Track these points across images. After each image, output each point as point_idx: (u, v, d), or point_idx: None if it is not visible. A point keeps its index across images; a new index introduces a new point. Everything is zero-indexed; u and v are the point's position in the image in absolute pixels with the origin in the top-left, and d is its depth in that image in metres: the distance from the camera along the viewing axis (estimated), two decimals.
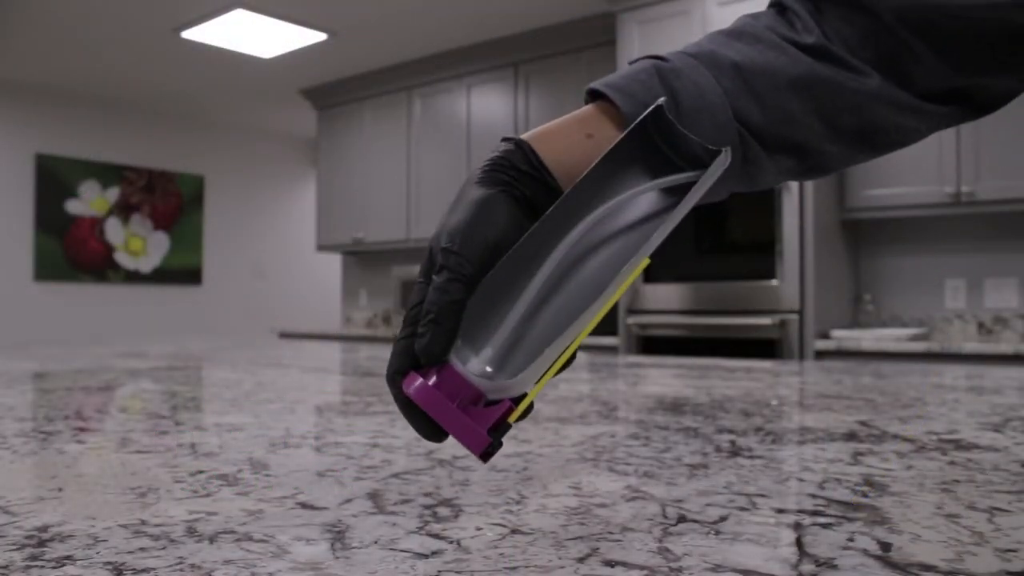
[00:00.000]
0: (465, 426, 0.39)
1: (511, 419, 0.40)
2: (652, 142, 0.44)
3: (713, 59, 0.50)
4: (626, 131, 0.43)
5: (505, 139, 0.46)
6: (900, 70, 0.50)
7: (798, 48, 0.51)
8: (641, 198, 0.44)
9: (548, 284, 0.42)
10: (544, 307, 0.42)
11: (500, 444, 0.40)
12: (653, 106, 0.43)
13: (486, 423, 0.40)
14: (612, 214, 0.43)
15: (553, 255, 0.42)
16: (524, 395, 0.41)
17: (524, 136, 0.47)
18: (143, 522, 0.43)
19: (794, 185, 3.09)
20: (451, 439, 0.41)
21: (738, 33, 0.52)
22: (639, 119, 0.43)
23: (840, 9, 0.51)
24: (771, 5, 0.55)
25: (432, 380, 0.40)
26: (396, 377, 0.41)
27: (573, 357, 0.41)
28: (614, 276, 0.40)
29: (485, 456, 0.39)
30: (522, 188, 0.44)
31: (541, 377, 0.40)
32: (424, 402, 0.39)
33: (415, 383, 0.40)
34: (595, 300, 0.40)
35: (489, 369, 0.40)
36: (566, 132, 0.47)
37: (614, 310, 3.71)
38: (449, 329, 0.40)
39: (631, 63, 0.51)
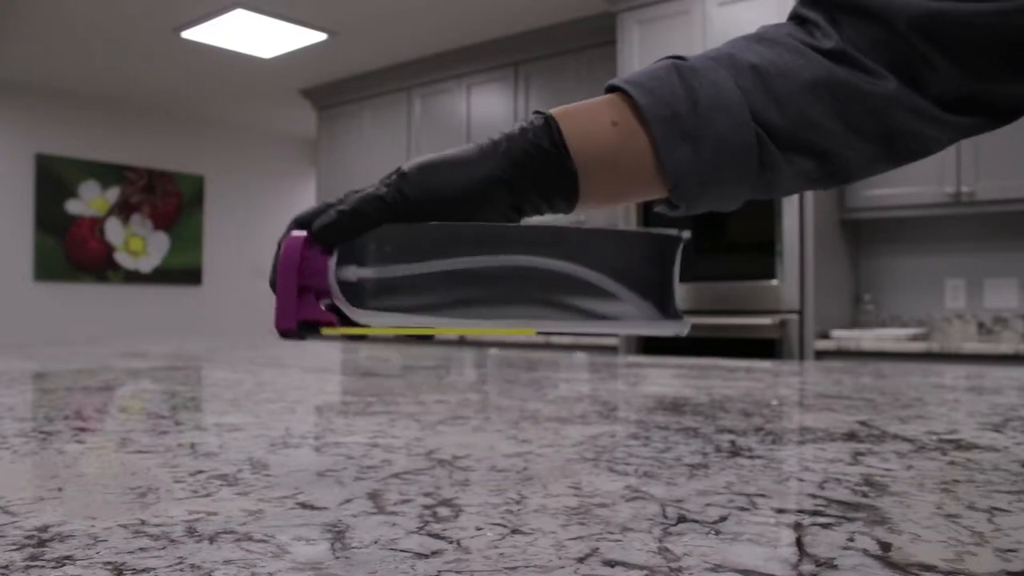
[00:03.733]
0: (289, 298, 0.41)
1: (325, 331, 0.42)
2: (656, 257, 0.43)
3: (732, 61, 0.50)
4: (645, 233, 0.42)
5: (536, 112, 0.47)
6: (915, 76, 0.51)
7: (817, 52, 0.51)
8: (595, 279, 0.43)
9: (459, 275, 0.42)
10: (438, 288, 0.41)
11: (303, 337, 0.42)
12: (680, 236, 0.42)
13: (306, 313, 0.41)
14: (565, 272, 0.42)
15: (488, 258, 0.41)
16: (357, 325, 0.42)
17: (553, 111, 0.47)
18: (143, 522, 0.43)
19: None
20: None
21: (757, 37, 0.52)
22: (661, 233, 0.42)
23: (854, 19, 0.51)
24: (791, 17, 0.55)
25: (307, 249, 0.42)
26: (292, 224, 0.44)
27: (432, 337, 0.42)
28: (505, 323, 0.41)
29: (282, 334, 0.41)
30: (526, 173, 0.45)
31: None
32: (284, 254, 0.42)
33: (295, 236, 0.42)
34: (473, 322, 0.40)
35: (353, 281, 0.41)
36: (594, 115, 0.48)
37: None
38: (348, 230, 0.42)
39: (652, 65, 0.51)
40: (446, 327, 0.41)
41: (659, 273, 0.41)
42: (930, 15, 0.49)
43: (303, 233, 0.43)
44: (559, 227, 0.42)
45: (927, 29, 0.49)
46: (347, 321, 0.42)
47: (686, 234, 0.42)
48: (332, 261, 0.42)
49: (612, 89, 0.50)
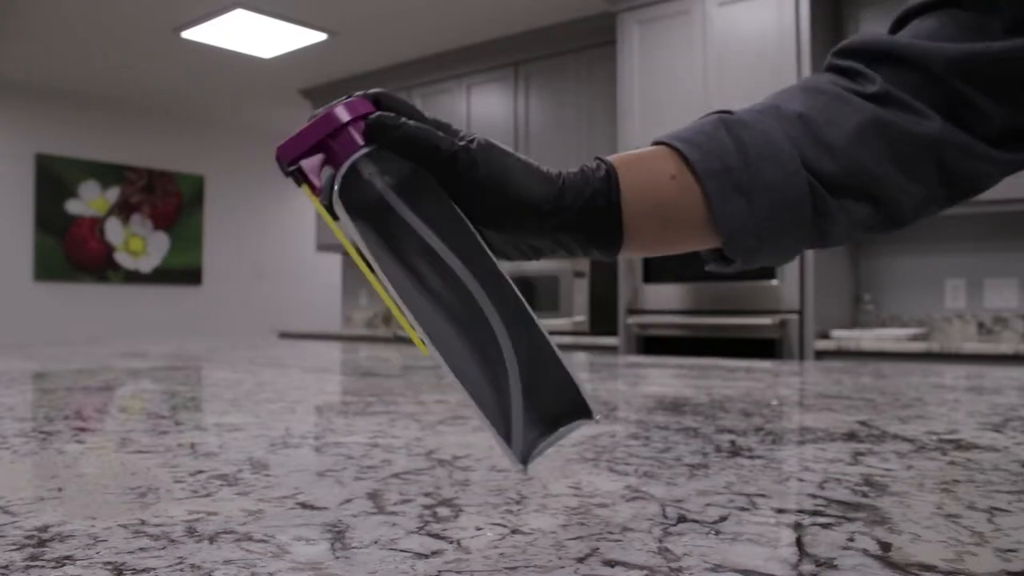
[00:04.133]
0: (307, 140, 0.42)
1: (304, 190, 0.43)
2: (565, 410, 0.42)
3: (778, 112, 0.50)
4: (577, 388, 0.42)
5: (598, 159, 0.47)
6: (959, 116, 0.51)
7: (861, 97, 0.51)
8: (513, 381, 0.41)
9: (434, 259, 0.41)
10: (411, 252, 0.41)
11: (286, 174, 0.43)
12: (595, 418, 0.41)
13: (305, 163, 0.42)
14: (500, 348, 0.41)
15: (467, 273, 0.41)
16: (331, 211, 0.43)
17: (613, 160, 0.47)
18: (143, 522, 0.43)
19: None
20: None
21: (801, 87, 0.52)
22: (586, 400, 0.42)
23: (891, 67, 0.51)
24: (829, 68, 0.55)
25: (358, 121, 0.42)
26: (376, 94, 0.45)
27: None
28: (416, 324, 0.40)
29: (277, 157, 0.42)
30: (576, 220, 0.45)
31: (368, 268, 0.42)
32: (340, 107, 0.42)
33: (364, 104, 0.43)
34: (401, 301, 0.40)
35: (362, 176, 0.42)
36: (654, 166, 0.48)
37: (614, 309, 3.71)
38: (393, 144, 0.42)
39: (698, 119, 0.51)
40: (381, 282, 0.41)
41: (551, 422, 0.41)
42: (965, 57, 0.49)
43: (370, 108, 0.43)
44: (531, 316, 0.41)
45: (965, 71, 0.49)
46: (328, 202, 0.42)
47: (600, 417, 0.41)
48: (364, 149, 0.42)
49: (659, 144, 0.49)
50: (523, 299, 0.41)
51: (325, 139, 0.42)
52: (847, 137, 0.49)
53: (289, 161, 0.42)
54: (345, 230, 0.42)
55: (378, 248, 0.41)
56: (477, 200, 0.43)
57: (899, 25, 0.56)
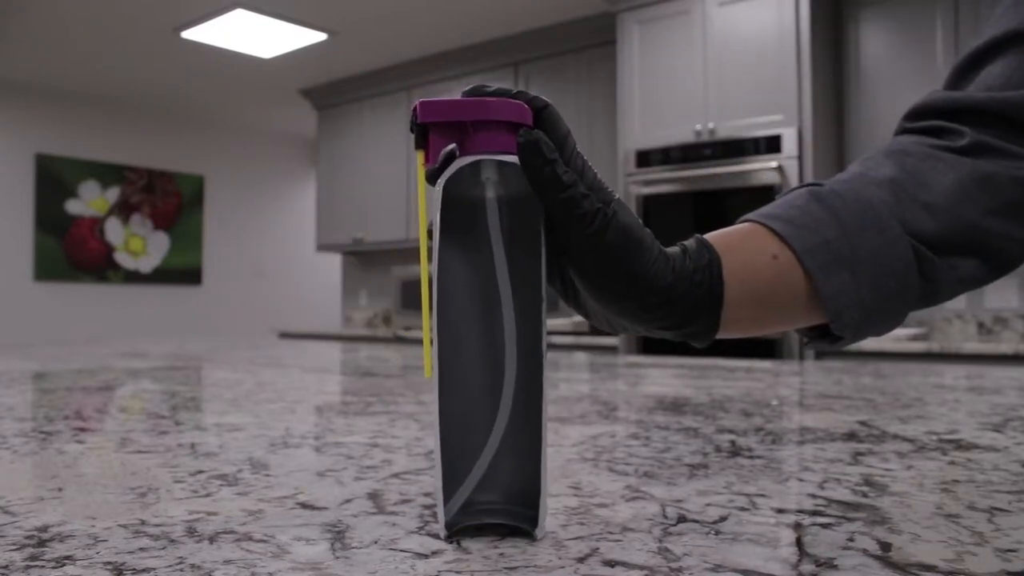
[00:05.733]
0: (457, 111, 0.40)
1: (418, 154, 0.40)
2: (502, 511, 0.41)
3: (866, 179, 0.49)
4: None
5: (700, 241, 0.45)
6: None
7: (952, 152, 0.50)
8: (493, 441, 0.41)
9: (484, 265, 0.40)
10: (473, 259, 0.40)
11: (412, 129, 0.40)
12: (534, 531, 0.40)
13: (435, 136, 0.40)
14: (501, 398, 0.41)
15: (509, 296, 0.40)
16: (434, 180, 0.41)
17: (712, 241, 0.46)
18: (143, 522, 0.43)
19: (792, 180, 3.09)
20: None
21: (885, 152, 0.51)
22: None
23: (973, 120, 0.50)
24: (904, 132, 0.54)
25: (512, 130, 0.40)
26: (534, 99, 0.41)
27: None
28: (433, 335, 0.40)
29: (413, 113, 0.40)
30: (677, 309, 0.43)
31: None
32: (503, 105, 0.40)
33: (518, 107, 0.40)
34: (433, 307, 0.40)
35: (483, 186, 0.40)
36: (754, 246, 0.46)
37: None
38: (535, 173, 0.39)
39: (784, 194, 0.50)
40: (431, 276, 0.40)
41: (501, 504, 0.40)
42: None
43: (527, 117, 0.40)
44: (542, 399, 0.40)
45: None
46: (435, 177, 0.41)
47: (540, 536, 0.40)
48: (499, 156, 0.39)
49: (747, 222, 0.48)
50: (543, 381, 0.40)
51: (469, 122, 0.40)
52: (946, 194, 0.48)
53: (424, 120, 0.39)
54: (430, 209, 0.40)
55: (447, 245, 0.39)
56: (591, 266, 0.41)
57: (960, 75, 0.54)
